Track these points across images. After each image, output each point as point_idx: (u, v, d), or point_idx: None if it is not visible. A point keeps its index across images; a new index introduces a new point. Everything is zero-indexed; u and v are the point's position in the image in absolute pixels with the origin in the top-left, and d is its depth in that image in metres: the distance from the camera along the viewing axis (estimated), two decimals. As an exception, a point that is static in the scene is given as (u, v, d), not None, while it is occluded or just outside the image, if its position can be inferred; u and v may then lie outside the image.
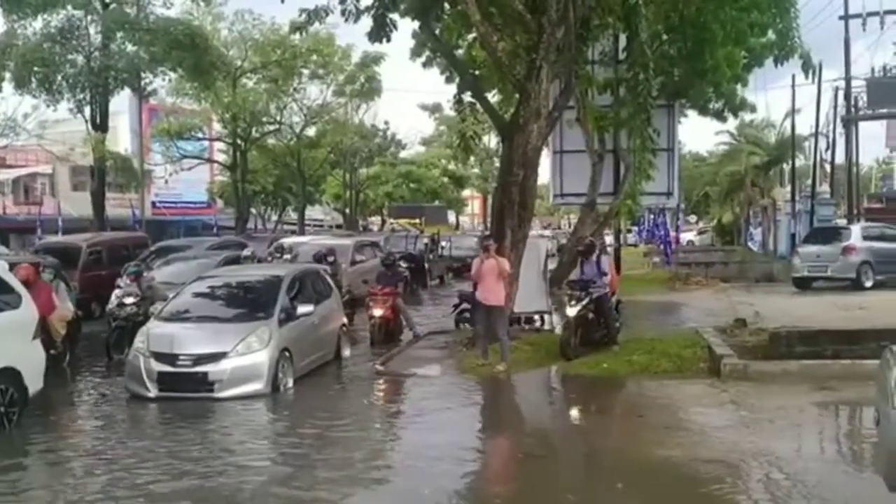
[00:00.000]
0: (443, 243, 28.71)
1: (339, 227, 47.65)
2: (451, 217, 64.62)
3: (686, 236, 53.47)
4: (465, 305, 14.12)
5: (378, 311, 13.90)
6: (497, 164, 52.39)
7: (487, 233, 16.04)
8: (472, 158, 63.03)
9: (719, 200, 45.41)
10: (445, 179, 60.89)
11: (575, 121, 16.74)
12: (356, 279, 17.09)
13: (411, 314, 15.06)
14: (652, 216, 33.69)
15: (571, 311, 11.68)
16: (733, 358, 10.35)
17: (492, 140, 63.65)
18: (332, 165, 49.41)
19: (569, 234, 36.15)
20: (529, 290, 13.35)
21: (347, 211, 47.86)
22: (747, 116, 36.09)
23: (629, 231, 55.07)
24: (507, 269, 11.37)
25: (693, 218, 63.15)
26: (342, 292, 14.97)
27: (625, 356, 11.28)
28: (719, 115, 25.26)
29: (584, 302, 11.70)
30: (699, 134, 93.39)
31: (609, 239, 41.43)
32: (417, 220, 42.79)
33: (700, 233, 52.96)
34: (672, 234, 31.73)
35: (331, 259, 16.05)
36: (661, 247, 30.06)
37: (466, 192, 68.70)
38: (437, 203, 59.42)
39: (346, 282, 16.44)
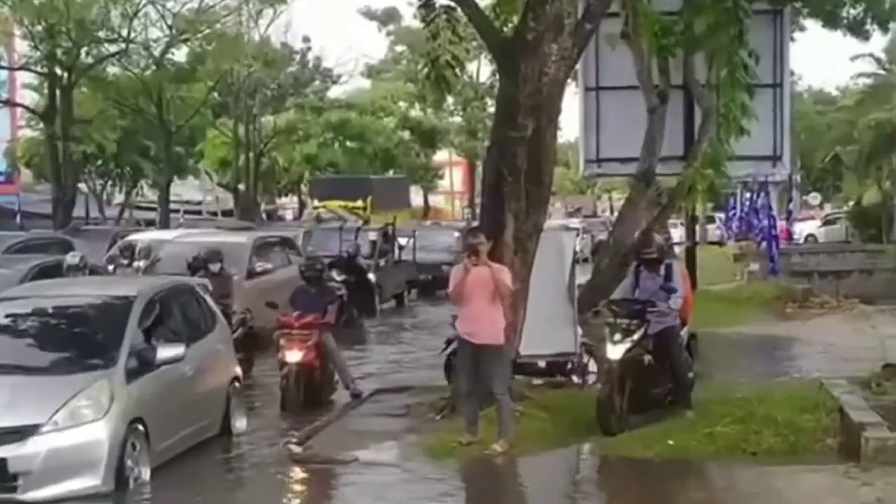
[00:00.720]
0: (402, 240, 28.83)
1: (227, 213, 47.58)
2: (417, 196, 64.77)
3: (804, 228, 54.11)
4: None
5: (294, 355, 13.91)
6: (491, 109, 52.66)
7: (475, 223, 16.02)
8: (449, 99, 63.33)
9: (858, 169, 46.07)
10: (406, 134, 60.97)
11: (620, 37, 16.79)
12: (257, 301, 17.04)
13: (346, 361, 15.13)
14: (748, 195, 33.98)
15: (615, 353, 11.77)
16: (881, 429, 10.46)
17: (483, 69, 64.20)
18: (215, 112, 49.36)
19: (610, 223, 36.28)
20: (546, 319, 13.40)
21: (242, 187, 47.90)
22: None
23: (710, 220, 55.51)
24: (509, 283, 11.41)
25: (815, 198, 63.70)
26: (233, 323, 14.89)
27: (704, 426, 11.38)
28: (858, 29, 25.45)
29: (636, 337, 11.80)
30: (825, 60, 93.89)
31: (677, 233, 41.92)
32: (360, 203, 42.78)
33: (827, 222, 53.76)
34: (781, 224, 32.15)
35: (215, 268, 16.03)
36: (763, 245, 30.37)
37: (442, 156, 69.03)
38: (392, 174, 59.70)
39: (242, 305, 16.34)
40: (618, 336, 11.81)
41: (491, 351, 11.22)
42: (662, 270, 12.48)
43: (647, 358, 12.00)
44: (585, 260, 34.28)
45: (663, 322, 12.10)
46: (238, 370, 13.02)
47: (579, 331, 14.02)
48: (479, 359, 11.27)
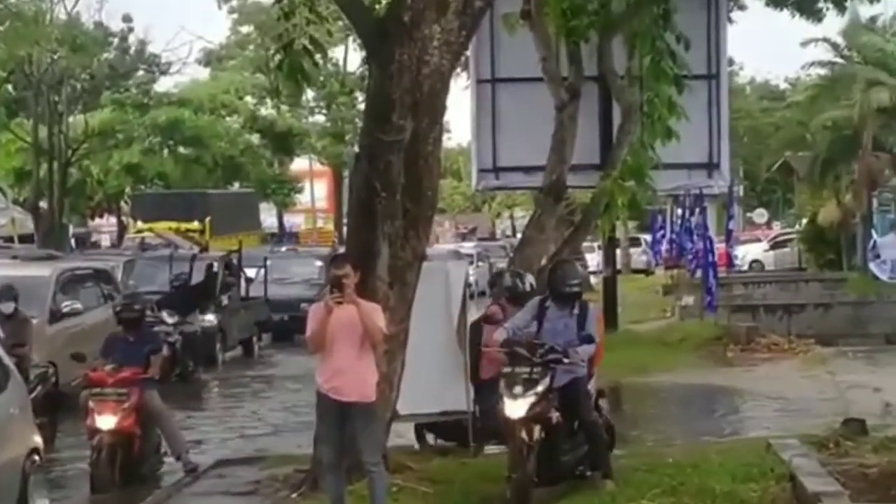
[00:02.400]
0: (250, 272, 28.81)
1: (26, 239, 46.60)
2: (268, 215, 64.13)
3: (747, 251, 54.88)
4: None
5: (107, 421, 13.66)
6: (361, 106, 52.31)
7: (341, 250, 15.96)
8: (309, 94, 63.10)
9: (812, 180, 46.96)
10: (255, 138, 60.51)
11: (520, 17, 16.96)
12: (63, 350, 16.75)
13: (178, 425, 15.01)
14: (679, 212, 34.52)
15: (516, 409, 11.74)
16: (841, 499, 10.63)
17: (351, 57, 64.04)
18: (10, 111, 48.33)
19: (511, 248, 36.20)
20: (431, 369, 13.47)
21: (44, 206, 47.09)
22: (864, 10, 37.66)
23: (634, 242, 56.24)
24: (383, 325, 11.36)
25: (761, 215, 64.78)
26: (31, 379, 14.56)
27: (626, 500, 11.44)
28: (808, 8, 25.84)
29: (540, 389, 11.80)
30: (771, 46, 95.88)
31: (593, 259, 42.22)
32: (196, 225, 42.41)
33: (776, 245, 54.97)
34: (719, 247, 32.66)
35: (7, 308, 15.85)
36: (698, 274, 30.83)
37: (301, 164, 68.75)
38: (237, 188, 59.52)
39: (43, 357, 16.04)
40: (518, 388, 11.75)
41: (360, 411, 11.13)
42: (578, 311, 12.43)
43: (556, 415, 11.99)
44: (482, 294, 34.49)
45: (572, 372, 12.11)
46: (38, 440, 12.71)
47: (470, 385, 14.04)
48: (346, 420, 11.20)
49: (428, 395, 13.69)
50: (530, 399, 11.74)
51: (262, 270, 29.14)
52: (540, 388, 11.79)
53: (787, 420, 16.40)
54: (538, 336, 12.35)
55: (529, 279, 14.45)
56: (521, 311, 12.81)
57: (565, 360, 11.94)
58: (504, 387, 11.92)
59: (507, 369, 12.04)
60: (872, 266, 37.05)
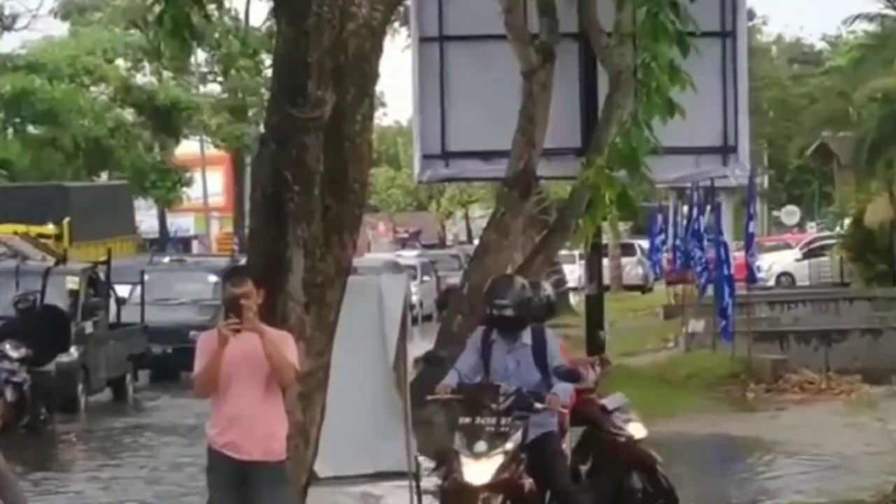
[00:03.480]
0: (123, 291, 28.85)
1: None
2: (147, 216, 63.66)
3: (774, 261, 54.96)
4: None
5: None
6: (268, 73, 52.00)
7: (242, 260, 15.90)
8: (199, 56, 62.69)
9: (855, 167, 47.17)
10: (128, 113, 60.22)
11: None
12: None
13: (23, 492, 14.90)
14: (686, 211, 34.67)
15: (480, 472, 11.72)
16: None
17: (255, 8, 63.45)
18: None
19: (467, 257, 35.93)
20: (361, 417, 13.57)
21: None
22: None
23: (626, 250, 56.25)
24: (295, 360, 11.30)
25: (792, 213, 64.84)
26: None
27: None
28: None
29: (510, 446, 11.76)
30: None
31: (573, 271, 41.94)
32: (50, 228, 42.23)
33: (810, 253, 55.15)
34: (737, 255, 32.75)
35: None
36: (709, 290, 30.98)
37: (188, 148, 68.17)
38: (105, 179, 59.48)
39: None
40: (480, 444, 11.77)
41: (265, 473, 11.09)
42: (526, 338, 12.41)
43: (529, 482, 11.99)
44: (427, 318, 34.45)
45: (541, 426, 12.16)
46: None
47: (413, 438, 14.08)
48: (247, 486, 11.18)
49: (357, 451, 13.71)
50: (497, 459, 11.72)
51: (139, 288, 29.07)
52: (509, 446, 11.78)
53: (826, 481, 16.51)
54: (485, 380, 12.37)
55: (546, 289, 14.37)
56: (466, 349, 12.83)
57: (539, 407, 11.94)
58: (461, 442, 11.91)
59: (464, 419, 12.04)
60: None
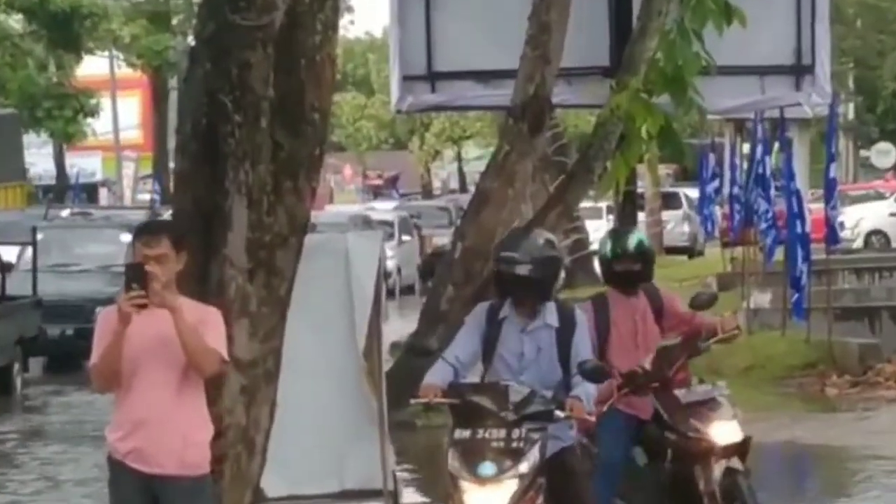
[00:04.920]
0: (9, 254, 29.31)
1: None
2: (40, 156, 63.65)
3: (862, 215, 54.94)
4: None
5: None
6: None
7: (159, 213, 15.93)
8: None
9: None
10: (15, 21, 60.24)
11: None
12: None
13: None
14: (747, 150, 34.75)
15: (490, 502, 11.77)
16: None
17: None
18: None
19: (459, 212, 35.84)
20: (322, 419, 13.69)
21: None
22: None
23: (668, 201, 56.34)
24: (220, 343, 11.12)
25: (886, 152, 64.77)
26: None
27: None
28: None
29: (525, 468, 11.65)
30: None
31: (599, 229, 42.12)
32: None
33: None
34: (813, 208, 32.83)
35: None
36: (776, 253, 31.06)
37: (94, 67, 68.04)
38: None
39: None
40: (488, 467, 11.60)
41: (180, 490, 11.05)
42: (551, 317, 12.20)
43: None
44: (408, 290, 34.55)
45: (560, 440, 12.12)
46: None
47: (391, 447, 14.14)
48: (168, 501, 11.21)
49: (317, 463, 13.81)
50: (509, 485, 11.60)
51: (29, 250, 29.20)
52: (524, 467, 11.66)
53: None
54: (486, 375, 12.28)
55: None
56: (464, 329, 12.51)
57: (560, 416, 11.86)
58: (459, 463, 11.74)
59: (462, 433, 11.82)
60: None
